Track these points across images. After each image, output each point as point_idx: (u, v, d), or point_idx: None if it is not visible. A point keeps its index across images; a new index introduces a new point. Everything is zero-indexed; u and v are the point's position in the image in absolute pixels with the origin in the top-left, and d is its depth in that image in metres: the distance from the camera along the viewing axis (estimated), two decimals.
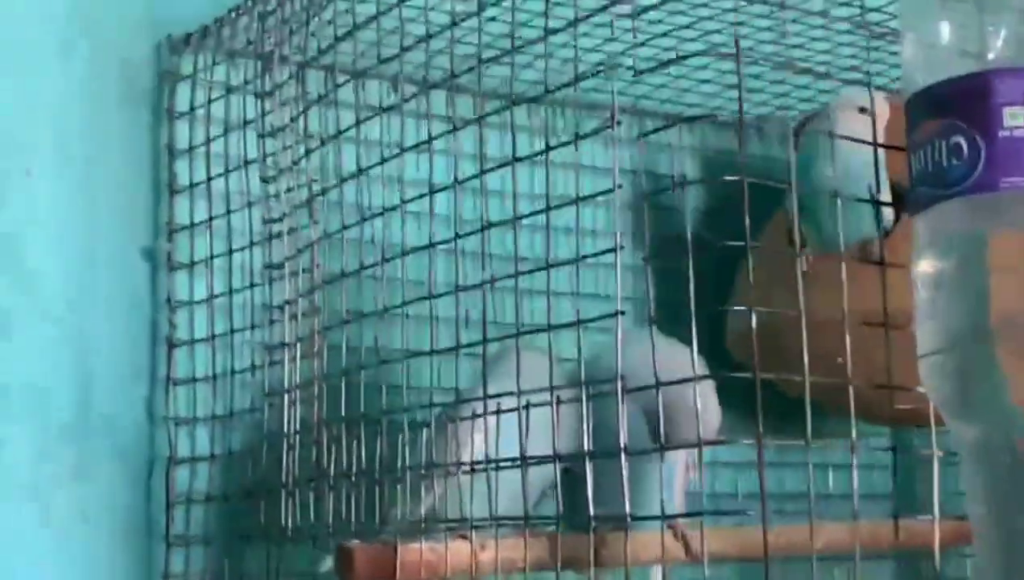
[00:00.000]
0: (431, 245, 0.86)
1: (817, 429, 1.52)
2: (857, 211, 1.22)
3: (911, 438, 1.53)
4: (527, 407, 0.82)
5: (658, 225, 0.79)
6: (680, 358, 1.00)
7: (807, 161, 1.23)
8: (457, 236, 0.85)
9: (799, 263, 1.25)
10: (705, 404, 0.98)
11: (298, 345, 1.00)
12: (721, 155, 1.48)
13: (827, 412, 1.50)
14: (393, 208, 0.89)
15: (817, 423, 1.44)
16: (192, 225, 1.17)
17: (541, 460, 0.81)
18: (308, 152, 1.01)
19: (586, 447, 0.78)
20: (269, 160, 1.07)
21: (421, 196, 0.87)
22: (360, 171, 0.93)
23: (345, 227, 0.94)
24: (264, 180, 1.07)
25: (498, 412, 0.85)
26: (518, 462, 0.82)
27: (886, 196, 1.22)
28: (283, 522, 0.99)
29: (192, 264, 1.16)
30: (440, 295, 0.86)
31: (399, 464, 0.91)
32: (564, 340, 0.83)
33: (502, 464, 0.84)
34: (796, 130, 1.30)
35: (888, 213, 1.22)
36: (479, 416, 0.85)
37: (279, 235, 1.05)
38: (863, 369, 1.14)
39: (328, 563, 0.91)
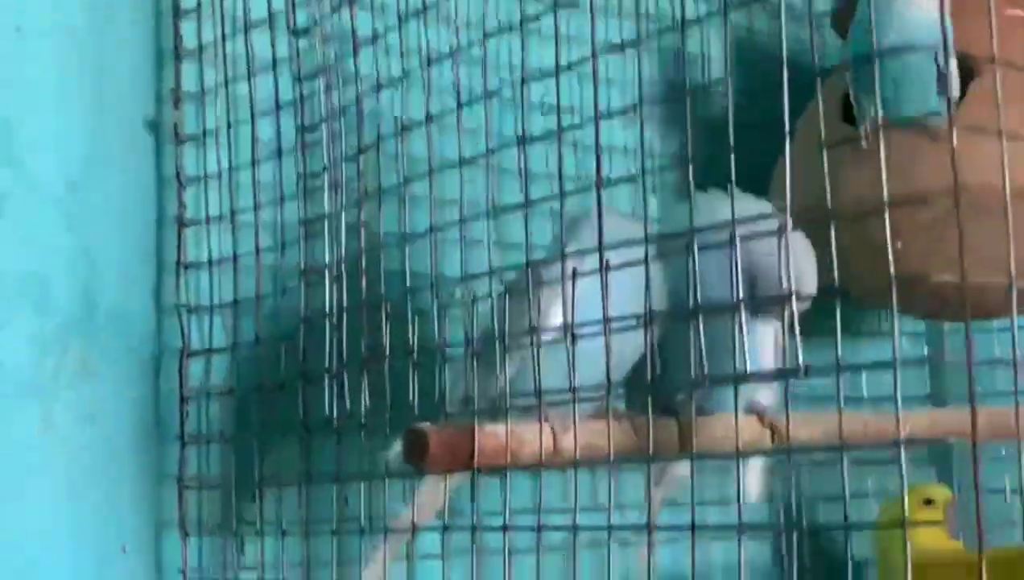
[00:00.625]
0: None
1: (849, 324, 1.45)
2: (921, 81, 1.15)
3: (942, 334, 1.46)
4: (607, 269, 0.72)
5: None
6: (765, 212, 0.92)
7: (863, 24, 1.15)
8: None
9: (864, 130, 1.19)
10: (802, 259, 0.89)
11: (343, 214, 0.90)
12: (753, 35, 1.39)
13: (861, 305, 1.44)
14: None
15: (849, 317, 1.35)
16: (203, 92, 1.05)
17: (630, 324, 0.72)
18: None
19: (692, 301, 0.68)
20: (300, 10, 0.95)
21: None
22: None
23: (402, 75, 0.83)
24: (295, 33, 0.95)
25: (575, 276, 0.75)
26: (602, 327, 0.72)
27: (953, 65, 1.15)
28: (328, 411, 0.89)
29: (204, 134, 1.05)
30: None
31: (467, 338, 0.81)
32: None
33: (585, 330, 0.74)
34: None
35: (955, 83, 1.14)
36: (558, 281, 0.75)
37: (312, 96, 0.94)
38: (923, 257, 1.08)
39: (397, 448, 0.82)
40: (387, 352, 0.85)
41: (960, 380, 1.42)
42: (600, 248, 0.71)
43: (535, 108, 1.12)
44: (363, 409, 0.87)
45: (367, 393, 0.87)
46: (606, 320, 0.71)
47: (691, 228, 0.67)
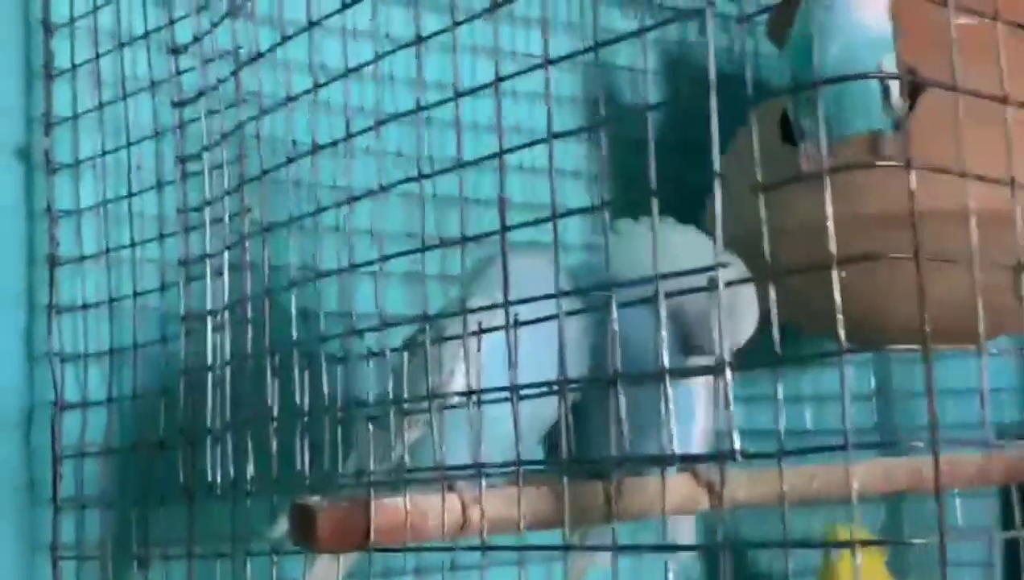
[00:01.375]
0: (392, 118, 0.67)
1: (793, 354, 1.37)
2: (865, 97, 1.06)
3: (890, 363, 1.39)
4: (516, 325, 0.62)
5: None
6: (704, 251, 0.82)
7: (803, 38, 1.06)
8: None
9: (803, 151, 1.11)
10: (741, 302, 0.80)
11: (225, 254, 0.79)
12: (684, 47, 1.30)
13: (803, 334, 1.35)
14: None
15: (792, 347, 1.28)
16: (76, 116, 0.94)
17: (542, 390, 0.62)
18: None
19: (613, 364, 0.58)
20: (177, 26, 0.85)
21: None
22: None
23: (291, 97, 0.73)
24: (174, 51, 0.85)
25: (480, 332, 0.65)
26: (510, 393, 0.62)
27: (897, 84, 1.06)
28: (211, 476, 0.79)
29: (77, 164, 0.94)
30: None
31: (363, 398, 0.71)
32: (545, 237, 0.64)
33: (491, 396, 0.64)
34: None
35: (900, 101, 1.06)
36: (461, 336, 0.65)
37: (195, 120, 0.83)
38: (866, 285, 1.00)
39: (282, 526, 0.71)
40: (273, 411, 0.75)
41: (908, 411, 1.32)
42: (506, 302, 0.61)
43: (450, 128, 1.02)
44: (248, 474, 0.76)
45: (253, 456, 0.76)
46: (514, 388, 0.61)
47: (609, 282, 0.57)
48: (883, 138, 1.05)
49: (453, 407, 0.67)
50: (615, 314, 0.56)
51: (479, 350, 0.66)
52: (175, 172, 0.86)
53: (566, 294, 0.59)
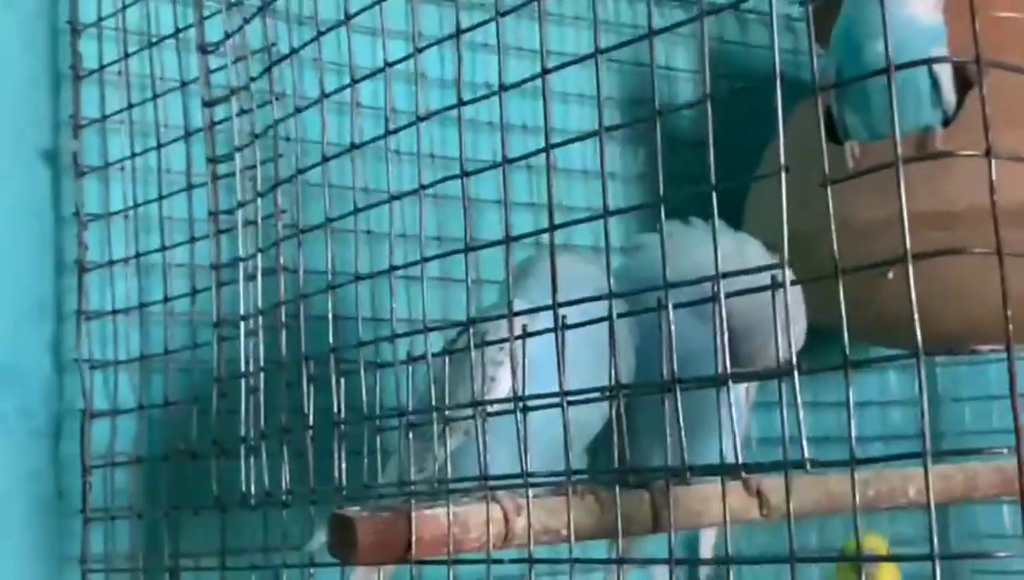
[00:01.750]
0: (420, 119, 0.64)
1: (833, 357, 1.34)
2: (913, 95, 1.04)
3: (934, 370, 1.35)
4: (563, 327, 0.59)
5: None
6: (754, 256, 0.80)
7: (849, 32, 1.03)
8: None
9: (847, 152, 1.07)
10: (794, 315, 0.78)
11: (259, 257, 0.77)
12: (721, 44, 1.27)
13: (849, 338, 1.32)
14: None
15: (830, 353, 1.22)
16: (104, 118, 0.92)
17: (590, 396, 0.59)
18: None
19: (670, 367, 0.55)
20: (207, 24, 0.83)
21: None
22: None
23: (325, 94, 0.71)
24: (204, 50, 0.83)
25: (525, 336, 0.62)
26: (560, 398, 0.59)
27: (948, 78, 1.04)
28: (244, 486, 0.76)
29: (106, 166, 0.92)
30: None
31: (405, 406, 0.69)
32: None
33: (538, 402, 0.61)
34: None
35: (951, 98, 1.03)
36: (505, 341, 0.62)
37: (226, 120, 0.81)
38: (918, 286, 0.97)
39: (320, 538, 0.69)
40: (310, 420, 0.72)
41: (953, 417, 1.29)
42: (555, 304, 0.58)
43: (483, 128, 1.00)
44: (284, 485, 0.74)
45: (288, 466, 0.74)
46: (564, 394, 0.58)
47: (664, 283, 0.54)
48: (932, 135, 1.02)
49: (497, 414, 0.64)
50: (671, 314, 0.54)
51: (524, 355, 0.63)
52: (206, 174, 0.84)
53: (617, 296, 0.56)
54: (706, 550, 0.91)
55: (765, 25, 1.28)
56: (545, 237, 0.59)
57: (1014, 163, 0.61)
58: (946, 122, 1.04)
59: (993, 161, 0.54)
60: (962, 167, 1.12)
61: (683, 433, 0.53)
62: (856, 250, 0.57)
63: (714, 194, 0.52)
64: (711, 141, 0.52)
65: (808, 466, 0.49)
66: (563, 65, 0.59)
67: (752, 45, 1.27)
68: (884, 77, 1.08)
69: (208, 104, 0.83)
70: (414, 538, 0.66)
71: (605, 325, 0.58)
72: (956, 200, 0.98)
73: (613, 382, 0.57)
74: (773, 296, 0.50)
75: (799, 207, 1.22)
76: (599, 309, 0.58)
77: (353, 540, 0.65)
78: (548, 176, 0.58)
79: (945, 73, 1.02)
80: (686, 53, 1.28)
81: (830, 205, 0.50)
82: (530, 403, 0.61)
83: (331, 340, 0.70)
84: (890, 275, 1.12)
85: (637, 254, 0.87)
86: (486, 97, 0.62)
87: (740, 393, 0.85)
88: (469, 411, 0.65)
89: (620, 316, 0.57)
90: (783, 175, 0.50)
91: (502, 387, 0.71)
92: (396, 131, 0.66)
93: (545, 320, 0.60)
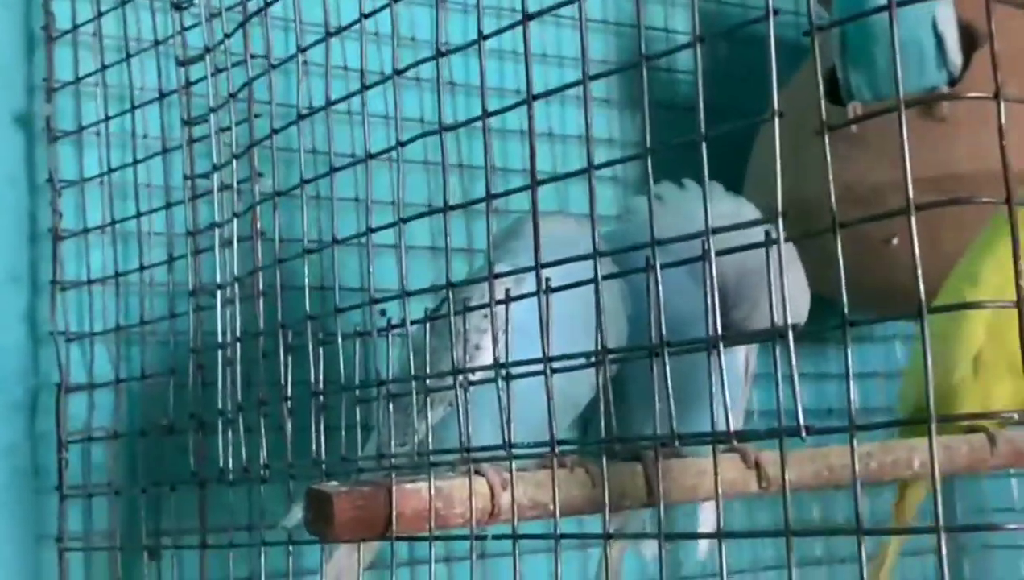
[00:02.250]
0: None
1: (835, 333, 1.31)
2: (917, 55, 1.00)
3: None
4: (548, 290, 0.56)
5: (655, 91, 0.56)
6: (750, 217, 0.76)
7: None
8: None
9: (850, 113, 1.04)
10: (794, 279, 0.75)
11: (235, 223, 0.74)
12: (720, 6, 1.23)
13: (850, 312, 1.29)
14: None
15: (837, 319, 1.17)
16: (78, 80, 0.89)
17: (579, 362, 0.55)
18: None
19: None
20: None
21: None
22: None
23: (301, 49, 0.67)
24: (177, 6, 0.80)
25: (508, 300, 0.59)
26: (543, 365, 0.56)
27: (954, 38, 1.00)
28: (222, 461, 0.73)
29: (80, 130, 0.89)
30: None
31: (385, 376, 0.65)
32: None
33: (522, 370, 0.58)
34: None
35: (956, 58, 0.99)
36: (487, 305, 0.59)
37: (200, 80, 0.78)
38: (924, 253, 0.93)
39: (297, 515, 0.66)
40: (288, 391, 0.69)
41: None
42: (537, 265, 0.55)
43: (463, 91, 0.97)
44: (262, 459, 0.71)
45: (266, 439, 0.71)
46: (548, 359, 0.55)
47: (652, 240, 0.51)
48: (939, 94, 0.99)
49: (480, 383, 0.61)
50: (659, 275, 0.50)
51: (507, 321, 0.60)
52: (181, 137, 0.80)
53: (603, 254, 0.53)
54: (705, 527, 0.88)
55: None
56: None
57: (1020, 130, 0.57)
58: (952, 83, 1.00)
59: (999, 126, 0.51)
60: (966, 131, 1.09)
61: (671, 399, 0.50)
62: (860, 214, 0.54)
63: (703, 145, 0.48)
64: (700, 89, 0.49)
65: (804, 433, 0.45)
66: (549, 9, 0.56)
67: (751, 6, 1.23)
68: (888, 37, 1.05)
69: (182, 63, 0.80)
70: (395, 514, 0.63)
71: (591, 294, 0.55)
72: (960, 163, 0.95)
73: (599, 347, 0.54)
74: (767, 254, 0.47)
75: (801, 174, 1.18)
76: (589, 274, 0.54)
77: (330, 516, 0.62)
78: (531, 128, 0.55)
79: (950, 32, 0.99)
80: (685, 15, 1.25)
81: (827, 153, 0.47)
82: (513, 371, 0.58)
83: (307, 307, 0.66)
84: (894, 241, 1.09)
85: (630, 218, 0.84)
86: (463, 49, 0.58)
87: (739, 362, 0.81)
88: (451, 381, 0.62)
89: (606, 277, 0.54)
90: (776, 121, 0.46)
91: (487, 355, 0.68)
92: (371, 87, 0.63)
93: (532, 285, 0.57)
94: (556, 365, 0.55)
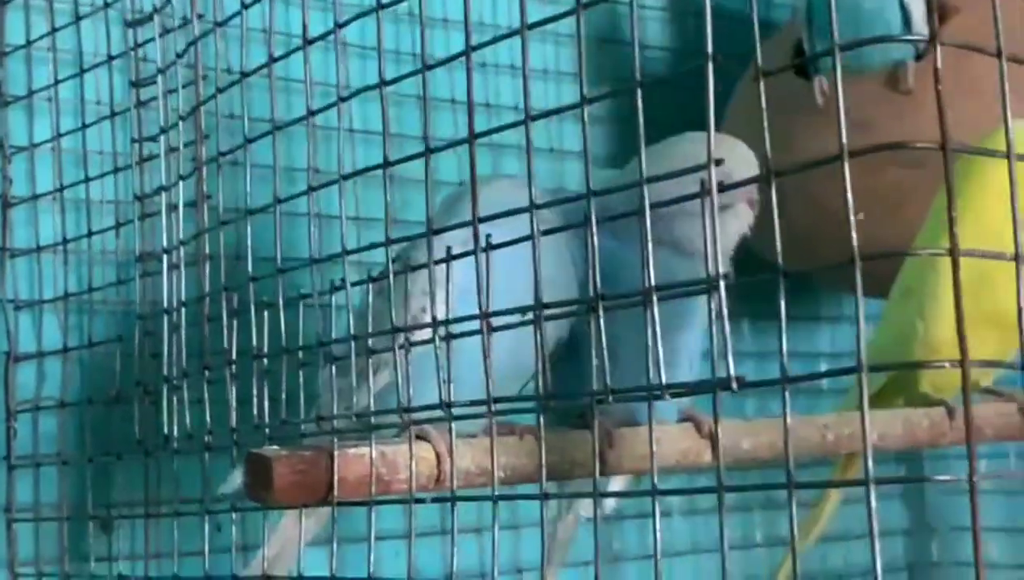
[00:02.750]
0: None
1: (809, 307, 1.30)
2: (883, 28, 0.99)
3: None
4: (489, 248, 0.55)
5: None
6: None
7: None
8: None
9: (816, 86, 1.03)
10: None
11: (180, 186, 0.73)
12: None
13: (818, 286, 1.28)
14: None
15: (808, 299, 1.20)
16: (28, 43, 0.87)
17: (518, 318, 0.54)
18: None
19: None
20: None
21: None
22: None
23: (245, 5, 0.66)
24: None
25: (449, 259, 0.58)
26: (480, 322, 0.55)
27: (920, 7, 0.99)
28: (167, 429, 0.72)
29: (31, 95, 0.87)
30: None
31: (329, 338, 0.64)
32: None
33: (464, 332, 0.57)
34: None
35: (923, 28, 0.98)
36: (425, 265, 0.58)
37: (148, 41, 0.76)
38: (890, 228, 0.92)
39: (236, 480, 0.65)
40: (232, 356, 0.68)
41: None
42: (475, 220, 0.54)
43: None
44: (207, 426, 0.70)
45: (210, 407, 0.69)
46: (485, 315, 0.54)
47: (588, 192, 0.49)
48: (904, 69, 0.97)
49: (422, 343, 0.60)
50: (594, 227, 0.49)
51: (450, 282, 0.59)
52: (129, 99, 0.79)
53: (539, 207, 0.52)
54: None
55: None
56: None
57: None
58: (918, 56, 0.99)
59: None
60: (932, 104, 1.08)
61: (605, 354, 0.49)
62: (827, 188, 0.53)
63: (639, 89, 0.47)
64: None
65: (734, 385, 0.44)
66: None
67: None
68: (854, 8, 1.04)
69: (130, 24, 0.78)
70: (336, 478, 0.62)
71: (544, 255, 0.54)
72: (925, 134, 0.94)
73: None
74: (702, 204, 0.46)
75: (773, 146, 1.16)
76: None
77: (269, 481, 0.61)
78: (468, 76, 0.54)
79: (917, 5, 0.97)
80: None
81: (762, 99, 0.45)
82: (454, 330, 0.57)
83: (250, 270, 0.65)
84: (860, 216, 1.08)
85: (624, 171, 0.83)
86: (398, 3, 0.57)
87: (701, 319, 0.79)
88: (396, 342, 0.61)
89: (546, 233, 0.53)
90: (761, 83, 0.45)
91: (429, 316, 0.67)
92: (312, 41, 0.61)
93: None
94: (497, 323, 0.54)
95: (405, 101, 0.97)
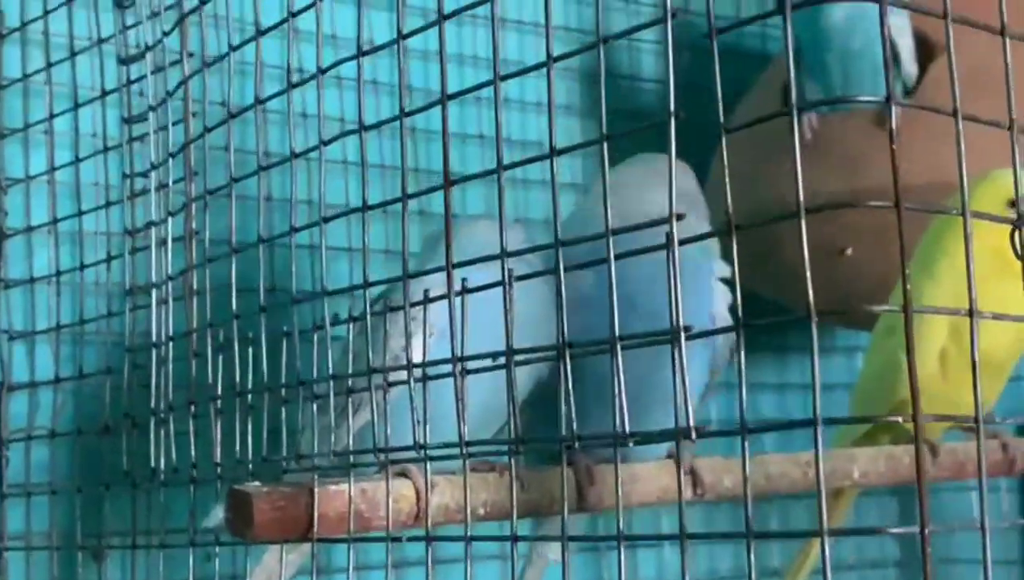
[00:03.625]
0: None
1: (799, 342, 1.30)
2: (871, 66, 1.00)
3: None
4: (461, 292, 0.56)
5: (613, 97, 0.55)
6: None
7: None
8: None
9: (804, 123, 1.04)
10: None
11: (169, 221, 0.74)
12: (689, 16, 1.23)
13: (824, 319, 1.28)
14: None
15: (798, 333, 1.20)
16: (25, 76, 0.89)
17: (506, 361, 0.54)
18: None
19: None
20: None
21: None
22: None
23: (232, 48, 0.67)
24: (119, 4, 0.79)
25: (426, 301, 0.59)
26: (473, 363, 0.55)
27: (908, 45, 1.00)
28: (155, 461, 0.73)
29: (26, 128, 0.88)
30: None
31: (312, 376, 0.65)
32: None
33: (440, 370, 0.57)
34: None
35: (911, 69, 0.99)
36: (406, 307, 0.59)
37: (141, 79, 0.78)
38: (879, 264, 0.93)
39: (219, 515, 0.66)
40: (218, 391, 0.69)
41: None
42: (448, 265, 0.54)
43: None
44: (191, 459, 0.71)
45: (196, 440, 0.70)
46: (458, 359, 0.55)
47: (556, 241, 0.50)
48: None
49: (396, 384, 0.60)
50: (561, 274, 0.50)
51: (427, 324, 0.60)
52: (122, 135, 0.80)
53: (510, 254, 0.52)
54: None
55: None
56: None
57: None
58: (907, 94, 1.00)
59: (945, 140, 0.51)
60: (919, 143, 1.09)
61: (572, 401, 0.50)
62: (816, 228, 0.53)
63: (602, 136, 0.48)
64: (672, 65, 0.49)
65: (693, 435, 0.45)
66: None
67: (720, 15, 1.23)
68: (841, 47, 1.05)
69: (123, 61, 0.80)
70: (316, 515, 0.63)
71: (526, 295, 0.55)
72: (913, 174, 0.95)
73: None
74: (667, 256, 0.46)
75: (758, 181, 1.17)
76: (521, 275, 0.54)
77: (250, 517, 0.62)
78: (402, 138, 0.54)
79: (905, 43, 0.98)
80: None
81: (724, 154, 0.46)
82: (430, 371, 0.58)
83: (233, 307, 0.66)
84: (848, 252, 1.08)
85: (586, 201, 0.84)
86: (384, 47, 0.58)
87: (702, 349, 0.80)
88: (374, 382, 0.61)
89: (520, 278, 0.54)
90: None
91: (415, 359, 0.68)
92: (299, 84, 0.63)
93: (457, 287, 0.56)
94: (472, 366, 0.55)
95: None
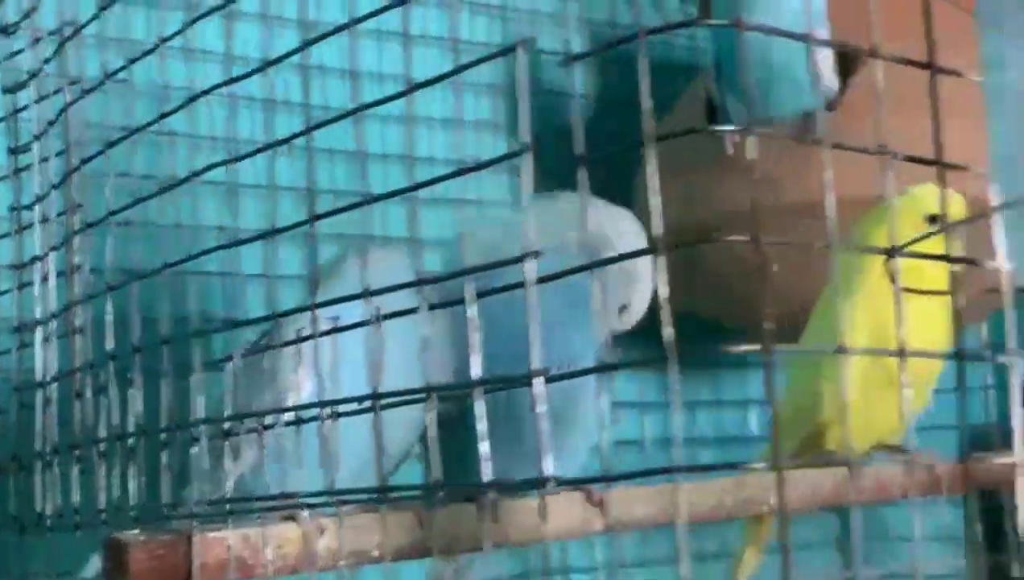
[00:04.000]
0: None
1: (735, 358, 1.28)
2: (793, 77, 0.97)
3: None
4: (335, 330, 0.53)
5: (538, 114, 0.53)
6: (627, 229, 0.76)
7: (728, 11, 0.97)
8: None
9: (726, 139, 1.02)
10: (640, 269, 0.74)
11: (50, 256, 0.71)
12: (614, 29, 1.21)
13: (738, 334, 1.27)
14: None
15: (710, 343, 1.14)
16: None
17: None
18: None
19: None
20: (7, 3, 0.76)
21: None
22: None
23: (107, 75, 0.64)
24: (3, 30, 0.77)
25: (314, 336, 0.56)
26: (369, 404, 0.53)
27: (828, 57, 0.98)
28: (38, 506, 0.70)
29: None
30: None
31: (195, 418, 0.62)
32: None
33: (343, 409, 0.55)
34: None
35: (831, 79, 0.97)
36: (299, 340, 0.56)
37: (25, 108, 0.75)
38: (806, 279, 0.91)
39: (96, 564, 0.63)
40: (102, 433, 0.66)
41: None
42: (313, 306, 0.52)
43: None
44: (74, 505, 0.68)
45: (78, 486, 0.67)
46: (377, 396, 0.51)
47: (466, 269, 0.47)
48: (813, 120, 0.96)
49: (294, 424, 0.58)
50: (473, 307, 0.46)
51: (327, 356, 0.57)
52: (9, 166, 0.77)
53: (381, 291, 0.50)
54: None
55: (658, 8, 1.23)
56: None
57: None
58: (829, 106, 0.98)
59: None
60: (837, 156, 1.07)
61: (487, 441, 0.46)
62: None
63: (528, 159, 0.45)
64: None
65: (553, 484, 0.42)
66: None
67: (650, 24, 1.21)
68: (762, 60, 1.02)
69: (9, 90, 0.77)
70: (196, 564, 0.60)
71: (422, 331, 0.52)
72: (817, 191, 0.93)
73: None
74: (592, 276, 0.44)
75: (685, 199, 1.15)
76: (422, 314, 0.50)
77: (126, 566, 0.59)
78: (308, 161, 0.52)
79: (824, 57, 0.96)
80: (579, 38, 1.23)
81: (649, 166, 0.43)
82: (304, 415, 0.55)
83: (110, 345, 0.63)
84: (775, 268, 1.06)
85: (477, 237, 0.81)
86: (290, 55, 0.55)
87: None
88: (255, 423, 0.59)
89: (397, 313, 0.51)
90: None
91: (307, 391, 0.65)
92: (175, 110, 0.60)
93: (350, 317, 0.53)
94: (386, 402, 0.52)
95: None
